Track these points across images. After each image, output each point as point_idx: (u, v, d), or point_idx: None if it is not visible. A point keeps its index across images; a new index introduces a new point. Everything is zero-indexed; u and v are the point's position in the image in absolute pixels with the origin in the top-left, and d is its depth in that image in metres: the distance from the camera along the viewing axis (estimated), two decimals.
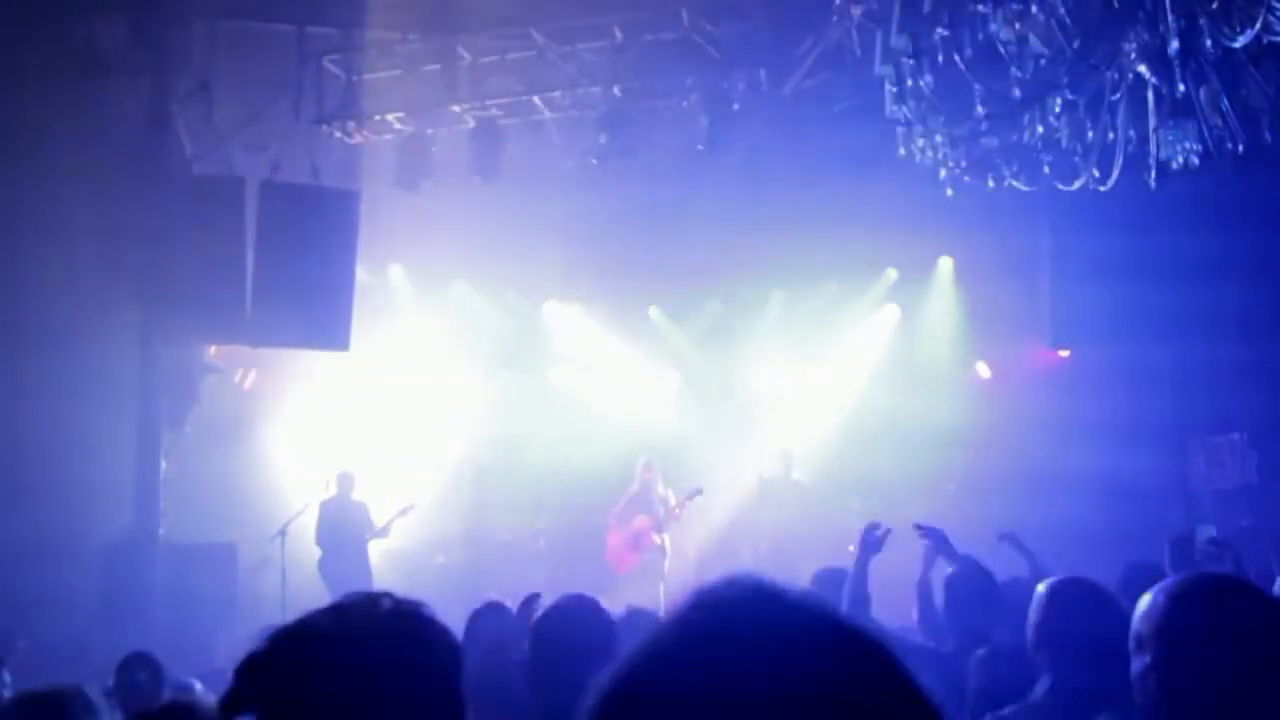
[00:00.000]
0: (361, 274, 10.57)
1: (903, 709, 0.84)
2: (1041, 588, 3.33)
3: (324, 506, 10.62)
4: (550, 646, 2.97)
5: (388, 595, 1.77)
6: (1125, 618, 2.59)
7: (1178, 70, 5.08)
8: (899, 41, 5.29)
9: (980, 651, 4.09)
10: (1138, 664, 2.35)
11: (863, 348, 13.83)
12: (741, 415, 13.47)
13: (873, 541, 5.28)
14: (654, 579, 11.44)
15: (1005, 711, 3.13)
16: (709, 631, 0.85)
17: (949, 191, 6.35)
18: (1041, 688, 3.14)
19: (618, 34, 9.56)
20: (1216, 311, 11.00)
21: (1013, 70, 5.34)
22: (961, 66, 5.11)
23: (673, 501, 11.94)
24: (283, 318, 9.67)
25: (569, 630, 3.01)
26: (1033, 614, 3.20)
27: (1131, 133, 5.98)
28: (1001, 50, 5.05)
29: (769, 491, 12.14)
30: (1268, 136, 6.02)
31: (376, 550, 10.77)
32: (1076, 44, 5.00)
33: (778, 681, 0.81)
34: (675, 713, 0.81)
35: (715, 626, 0.85)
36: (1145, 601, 2.38)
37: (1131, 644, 2.39)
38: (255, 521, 10.63)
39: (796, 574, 10.95)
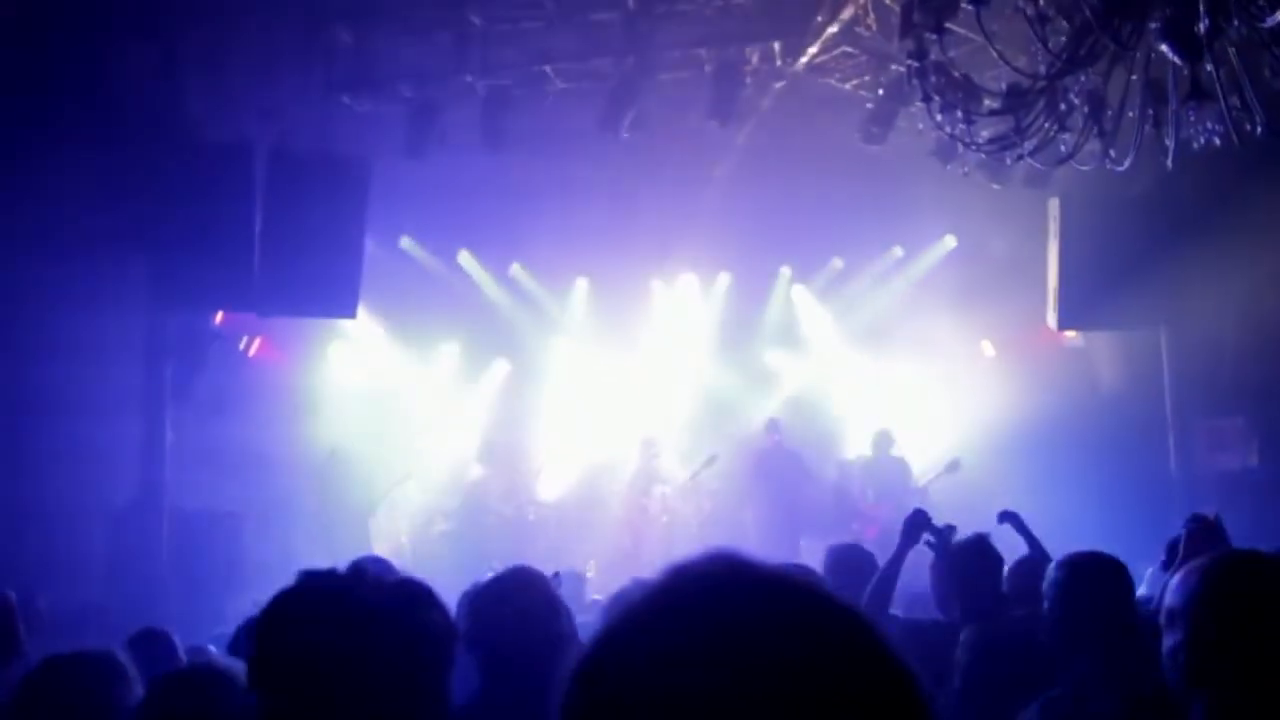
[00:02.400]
0: (369, 243, 10.54)
1: (879, 685, 0.84)
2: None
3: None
4: (492, 619, 2.91)
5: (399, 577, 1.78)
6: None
7: (1202, 50, 5.04)
8: (921, 16, 5.26)
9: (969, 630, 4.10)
10: (1169, 640, 2.35)
11: (868, 324, 13.83)
12: (746, 388, 13.50)
13: (913, 530, 5.16)
14: (659, 550, 11.50)
15: (1054, 693, 3.15)
16: (679, 607, 0.86)
17: (963, 170, 6.32)
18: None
19: (630, 4, 9.50)
20: (1219, 294, 10.99)
21: (1032, 47, 5.32)
22: (989, 43, 5.07)
23: (680, 472, 12.00)
24: (291, 285, 9.64)
25: (510, 603, 2.96)
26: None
27: (1150, 112, 5.94)
28: (1029, 27, 5.01)
29: (762, 463, 12.17)
30: None
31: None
32: (1102, 21, 4.96)
33: (747, 656, 0.81)
34: (646, 688, 0.81)
35: (685, 603, 0.86)
36: (1179, 578, 2.39)
37: (1163, 620, 2.39)
38: (261, 488, 10.65)
39: (796, 543, 11.08)
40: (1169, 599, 2.40)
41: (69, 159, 8.64)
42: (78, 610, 8.24)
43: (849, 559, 5.20)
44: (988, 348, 13.46)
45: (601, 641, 0.87)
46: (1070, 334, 12.06)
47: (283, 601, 1.74)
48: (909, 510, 5.70)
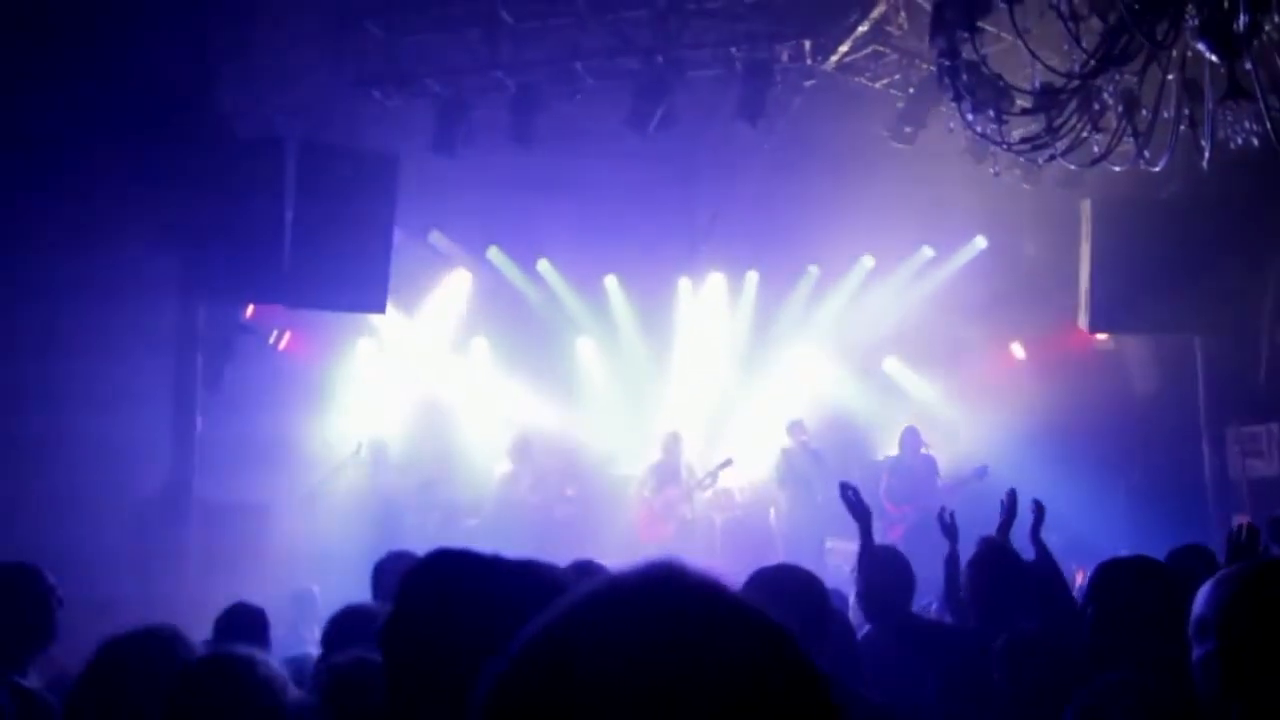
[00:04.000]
0: (397, 238, 10.57)
1: (799, 704, 0.86)
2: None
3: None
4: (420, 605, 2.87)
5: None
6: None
7: (1241, 47, 4.96)
8: (954, 14, 5.20)
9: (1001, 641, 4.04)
10: (1199, 651, 2.31)
11: (897, 325, 13.75)
12: (772, 387, 13.45)
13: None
14: (679, 550, 11.47)
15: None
16: (601, 619, 0.87)
17: (994, 170, 6.26)
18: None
19: (660, 2, 9.48)
20: (1251, 297, 10.86)
21: (1065, 46, 5.25)
22: (1023, 43, 5.01)
23: (699, 472, 11.95)
24: (320, 279, 9.70)
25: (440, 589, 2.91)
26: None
27: (1186, 112, 5.86)
28: (1064, 26, 4.95)
29: (787, 463, 12.12)
30: None
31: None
32: (1137, 19, 4.89)
33: (667, 669, 0.82)
34: (563, 698, 0.82)
35: (609, 614, 0.87)
36: (1209, 586, 2.34)
37: (1192, 630, 2.34)
38: (288, 481, 10.71)
39: (821, 544, 11.03)
40: (1199, 608, 2.35)
41: (102, 152, 8.71)
42: (102, 602, 8.30)
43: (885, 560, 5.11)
44: (1018, 350, 13.34)
45: (526, 639, 0.88)
46: (1101, 337, 11.93)
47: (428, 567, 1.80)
48: (933, 511, 5.67)
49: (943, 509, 5.64)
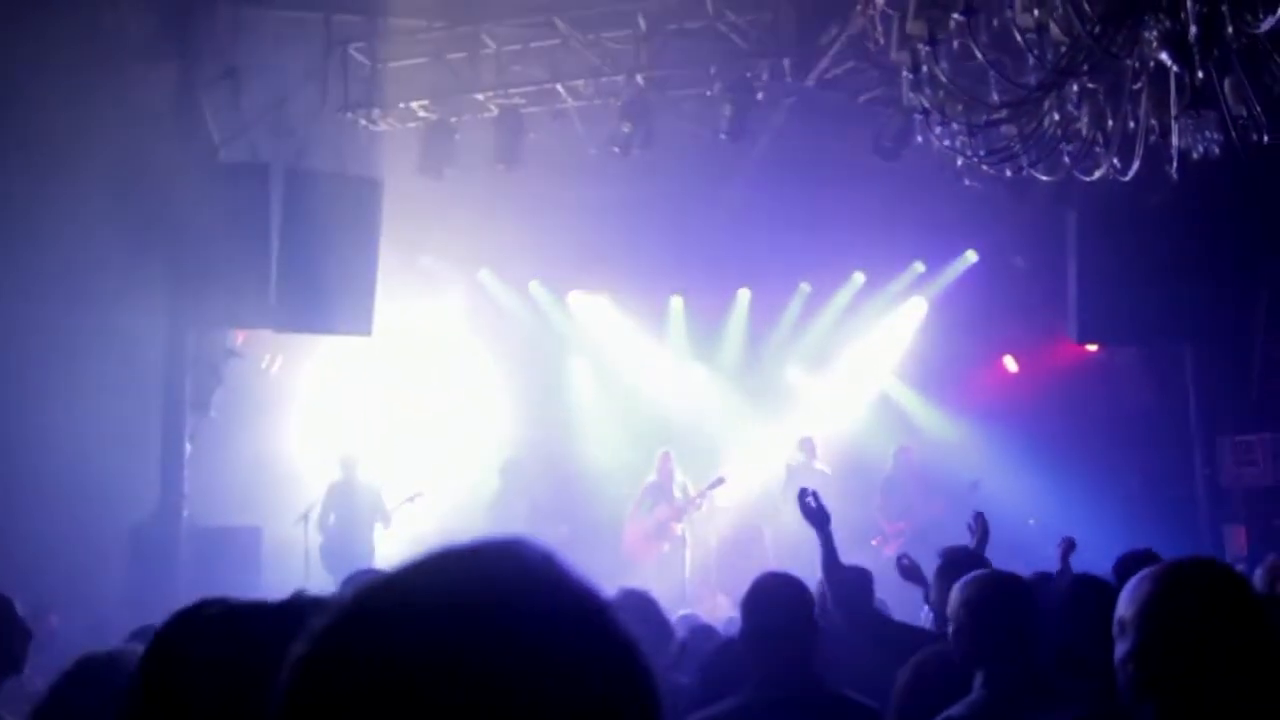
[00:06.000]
0: (388, 260, 10.63)
1: (618, 685, 0.84)
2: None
3: (331, 489, 10.76)
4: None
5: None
6: None
7: (1198, 58, 4.98)
8: (914, 27, 5.24)
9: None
10: (1119, 650, 2.31)
11: (889, 340, 13.77)
12: (766, 406, 13.45)
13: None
14: (674, 569, 11.46)
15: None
16: (415, 593, 0.85)
17: (966, 181, 6.28)
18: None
19: (641, 23, 9.55)
20: (1242, 306, 10.85)
21: (1029, 57, 5.27)
22: (978, 53, 5.04)
23: (692, 491, 11.94)
24: (306, 303, 9.76)
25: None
26: None
27: (1154, 122, 5.88)
28: (1019, 38, 4.98)
29: (793, 480, 12.10)
30: None
31: (395, 535, 10.84)
32: (1095, 30, 4.92)
33: (481, 637, 0.81)
34: (361, 675, 0.81)
35: (429, 586, 0.86)
36: (1128, 587, 2.35)
37: (1115, 629, 2.35)
38: (280, 505, 10.72)
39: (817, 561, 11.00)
40: (1119, 608, 2.36)
41: (87, 179, 8.79)
42: (96, 625, 8.32)
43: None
44: (1010, 363, 13.34)
45: (349, 601, 0.87)
46: (1092, 347, 11.93)
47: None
48: (926, 526, 5.73)
49: (977, 514, 5.70)
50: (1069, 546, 5.98)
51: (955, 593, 3.38)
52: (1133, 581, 2.37)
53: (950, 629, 3.34)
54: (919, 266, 13.52)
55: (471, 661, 0.80)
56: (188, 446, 9.84)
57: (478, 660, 0.80)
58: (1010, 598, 3.30)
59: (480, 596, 0.84)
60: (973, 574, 3.45)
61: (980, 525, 5.45)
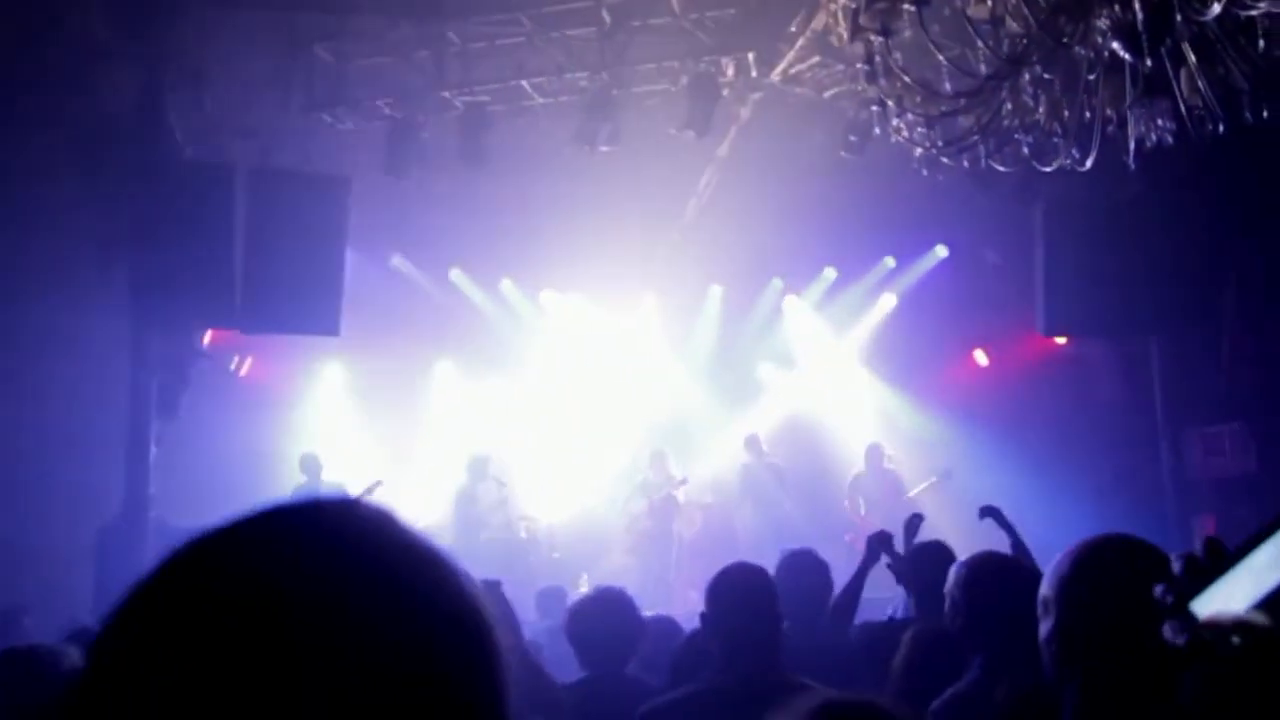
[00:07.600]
0: (356, 260, 10.59)
1: (453, 626, 0.82)
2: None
3: (298, 492, 10.72)
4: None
5: None
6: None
7: (1148, 47, 5.01)
8: (867, 18, 5.26)
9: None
10: (1043, 629, 2.32)
11: (860, 335, 13.81)
12: (738, 401, 13.47)
13: (875, 549, 5.22)
14: (644, 565, 11.48)
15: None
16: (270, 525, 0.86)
17: (924, 172, 6.32)
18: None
19: (606, 19, 9.55)
20: (1212, 298, 10.91)
21: (980, 46, 5.30)
22: (930, 44, 5.07)
23: (663, 489, 11.99)
24: (273, 303, 9.70)
25: None
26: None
27: (1110, 112, 5.91)
28: (970, 28, 5.00)
29: (747, 480, 12.17)
30: (1249, 116, 5.94)
31: None
32: (1045, 20, 4.95)
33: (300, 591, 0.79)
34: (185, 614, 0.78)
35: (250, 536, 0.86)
36: (1052, 565, 2.36)
37: (1039, 609, 2.36)
38: (249, 505, 10.65)
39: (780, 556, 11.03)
40: (1042, 587, 2.37)
41: (49, 179, 8.73)
42: (63, 629, 8.26)
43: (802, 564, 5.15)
44: (981, 357, 13.39)
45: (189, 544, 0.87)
46: (1060, 340, 11.98)
47: None
48: (899, 521, 5.72)
49: (914, 515, 5.75)
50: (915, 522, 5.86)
51: (953, 573, 3.40)
52: (1055, 560, 2.38)
53: (947, 608, 3.37)
54: (889, 261, 13.56)
55: (305, 599, 0.78)
56: (154, 449, 9.78)
57: (311, 598, 0.79)
58: (1009, 578, 3.33)
59: (316, 541, 0.83)
60: (972, 556, 3.50)
61: (909, 525, 5.57)
